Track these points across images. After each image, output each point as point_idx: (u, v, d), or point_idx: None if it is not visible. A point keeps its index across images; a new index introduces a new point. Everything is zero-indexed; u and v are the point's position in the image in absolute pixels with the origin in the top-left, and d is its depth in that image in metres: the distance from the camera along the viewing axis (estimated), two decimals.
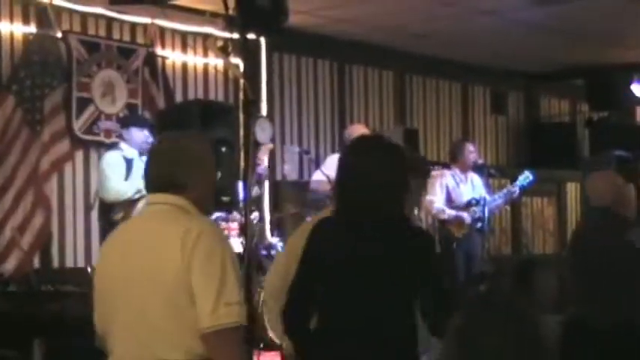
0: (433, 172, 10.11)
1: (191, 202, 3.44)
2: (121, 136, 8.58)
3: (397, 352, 3.79)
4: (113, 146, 8.66)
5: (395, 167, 3.80)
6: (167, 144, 3.60)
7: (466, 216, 10.09)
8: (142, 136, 8.38)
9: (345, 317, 3.73)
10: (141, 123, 8.65)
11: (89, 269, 8.84)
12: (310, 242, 3.79)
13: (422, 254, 3.81)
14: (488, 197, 10.12)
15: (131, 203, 8.24)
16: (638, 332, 5.30)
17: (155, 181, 3.49)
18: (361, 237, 3.74)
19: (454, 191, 10.22)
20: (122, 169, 8.23)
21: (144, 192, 8.12)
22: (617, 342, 5.14)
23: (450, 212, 10.14)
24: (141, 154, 8.41)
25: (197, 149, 3.56)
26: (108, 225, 8.42)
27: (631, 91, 13.37)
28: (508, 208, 12.66)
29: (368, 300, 3.70)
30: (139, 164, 8.36)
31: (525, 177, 10.35)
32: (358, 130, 10.24)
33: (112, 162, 8.29)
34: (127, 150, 8.36)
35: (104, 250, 3.64)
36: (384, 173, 3.76)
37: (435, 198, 10.12)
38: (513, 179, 10.46)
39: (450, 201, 10.19)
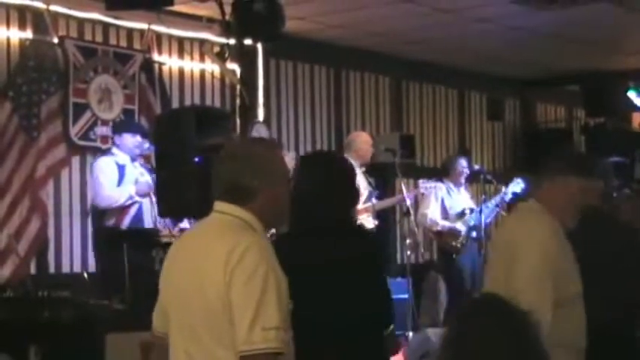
0: (427, 187, 10.18)
1: (255, 216, 3.32)
2: (113, 142, 8.58)
3: (366, 352, 4.01)
4: (106, 152, 8.66)
5: (333, 180, 4.15)
6: (235, 151, 3.48)
7: (460, 226, 10.14)
8: (134, 141, 8.39)
9: (310, 320, 3.76)
10: (133, 129, 8.66)
11: (85, 275, 8.83)
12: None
13: (368, 255, 4.14)
14: (482, 207, 10.19)
15: (123, 209, 8.25)
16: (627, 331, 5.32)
17: (219, 188, 3.40)
18: (309, 245, 4.02)
19: (448, 201, 10.28)
20: (114, 175, 8.24)
21: (135, 198, 8.20)
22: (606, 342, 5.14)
23: (444, 223, 10.19)
24: (133, 159, 8.42)
25: (269, 160, 3.40)
26: (100, 231, 8.46)
27: (627, 98, 13.39)
28: (504, 214, 12.65)
29: (331, 302, 3.91)
30: (132, 170, 8.38)
31: (516, 184, 10.39)
32: (360, 137, 10.25)
33: (104, 168, 8.30)
34: (120, 156, 8.37)
35: (169, 257, 3.52)
36: (321, 186, 4.11)
37: (429, 211, 10.19)
38: (507, 185, 10.51)
39: (444, 211, 10.24)
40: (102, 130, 9.40)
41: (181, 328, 3.32)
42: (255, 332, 3.10)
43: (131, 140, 8.38)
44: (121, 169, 8.30)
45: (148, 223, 8.35)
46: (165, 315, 3.42)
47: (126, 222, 8.28)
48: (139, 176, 8.37)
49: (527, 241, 4.09)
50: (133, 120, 9.47)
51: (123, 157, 8.36)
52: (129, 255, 7.83)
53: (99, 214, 8.44)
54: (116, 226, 8.26)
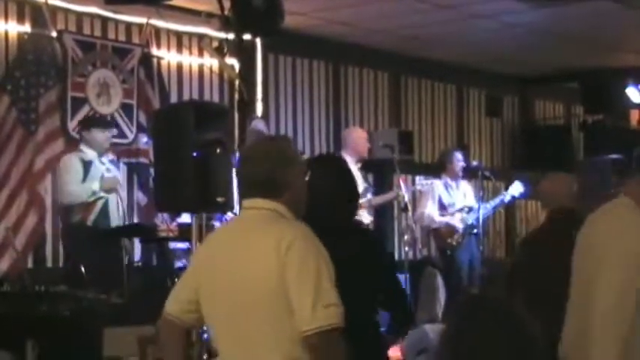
0: (424, 184, 10.19)
1: (286, 207, 3.54)
2: (81, 138, 8.60)
3: (365, 347, 4.08)
4: (72, 149, 8.65)
5: (337, 181, 4.34)
6: (263, 149, 3.67)
7: (457, 223, 10.15)
8: (103, 137, 8.44)
9: None
10: (102, 124, 8.70)
11: (82, 269, 8.83)
12: None
13: (371, 252, 4.30)
14: (480, 204, 10.21)
15: (88, 205, 8.29)
16: None
17: (252, 186, 3.56)
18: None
19: (446, 197, 10.28)
20: (79, 173, 8.29)
21: (99, 194, 8.22)
22: None
23: (441, 220, 10.21)
24: (101, 155, 8.45)
25: (292, 154, 3.68)
26: (67, 227, 8.49)
27: (626, 95, 13.38)
28: (502, 211, 12.68)
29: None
30: (98, 166, 8.41)
31: (516, 187, 10.40)
32: (355, 132, 10.26)
33: (67, 165, 8.38)
34: (87, 152, 8.42)
35: (205, 252, 3.72)
36: (327, 187, 4.25)
37: (426, 210, 10.20)
38: (508, 182, 10.51)
39: (442, 208, 10.25)
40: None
41: (230, 317, 3.47)
42: (318, 311, 3.30)
43: (100, 135, 8.44)
44: (87, 165, 8.35)
45: (114, 219, 8.41)
46: (189, 304, 3.59)
47: (91, 218, 8.32)
48: (105, 172, 8.41)
49: (614, 242, 3.78)
50: (101, 115, 9.41)
51: (90, 154, 8.41)
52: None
53: (64, 211, 8.49)
54: (82, 222, 8.29)
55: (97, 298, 7.02)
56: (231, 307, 3.46)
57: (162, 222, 8.26)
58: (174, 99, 10.06)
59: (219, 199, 6.95)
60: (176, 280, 8.06)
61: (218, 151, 6.99)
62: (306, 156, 10.92)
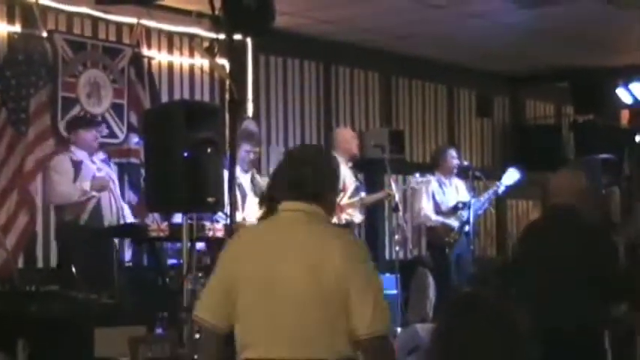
0: (418, 182, 10.19)
1: (324, 210, 3.68)
2: (69, 140, 8.60)
3: None
4: (60, 151, 8.64)
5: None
6: (306, 154, 3.84)
7: (453, 221, 10.15)
8: (90, 136, 8.46)
9: None
10: (87, 124, 8.72)
11: (73, 269, 8.82)
12: None
13: None
14: (473, 200, 10.19)
15: (81, 205, 8.29)
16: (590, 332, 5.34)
17: (294, 189, 3.66)
18: None
19: (439, 196, 10.27)
20: (69, 173, 8.31)
21: (90, 193, 8.21)
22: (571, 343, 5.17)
23: (437, 218, 10.20)
24: (91, 154, 8.46)
25: (330, 161, 3.85)
26: (60, 226, 8.48)
27: (616, 95, 13.40)
28: (493, 210, 12.69)
29: None
30: (89, 165, 8.41)
31: (511, 174, 10.40)
32: (344, 132, 10.28)
33: (57, 166, 8.40)
34: (77, 152, 8.43)
35: (240, 251, 3.73)
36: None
37: (422, 205, 10.20)
38: (498, 181, 10.51)
39: (436, 206, 10.25)
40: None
41: (278, 315, 3.53)
42: (377, 316, 3.49)
43: (87, 135, 8.46)
44: (77, 165, 8.36)
45: (107, 218, 8.41)
46: (221, 307, 3.63)
47: (84, 217, 8.33)
48: (96, 171, 8.41)
49: None
50: (91, 115, 9.40)
51: (80, 154, 8.42)
52: (116, 250, 7.85)
53: (57, 210, 8.50)
54: (76, 221, 8.29)
55: (87, 298, 7.01)
56: (280, 305, 3.53)
57: (153, 222, 8.25)
58: (164, 99, 10.05)
59: (210, 199, 6.96)
60: (167, 280, 8.09)
61: (209, 150, 7.00)
62: None
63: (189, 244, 7.09)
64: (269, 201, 3.75)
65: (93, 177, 8.37)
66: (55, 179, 8.36)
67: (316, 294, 3.49)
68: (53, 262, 9.17)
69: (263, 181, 8.37)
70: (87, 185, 8.29)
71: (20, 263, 8.82)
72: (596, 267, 5.32)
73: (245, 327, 3.61)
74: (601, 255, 5.40)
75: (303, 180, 3.64)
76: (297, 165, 3.70)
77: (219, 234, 8.10)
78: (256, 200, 7.59)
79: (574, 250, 5.34)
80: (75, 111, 9.29)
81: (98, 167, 8.50)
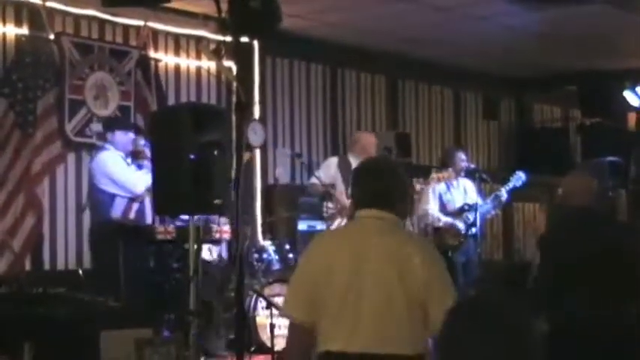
0: (425, 181, 10.15)
1: (398, 217, 3.99)
2: (105, 140, 8.58)
3: None
4: (101, 149, 8.63)
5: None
6: (383, 165, 4.21)
7: (460, 223, 10.11)
8: (127, 139, 8.42)
9: None
10: (125, 126, 8.68)
11: (80, 272, 8.83)
12: None
13: None
14: (480, 202, 10.15)
15: (129, 204, 8.25)
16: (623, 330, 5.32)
17: (371, 197, 3.96)
18: None
19: (446, 197, 10.24)
20: (124, 163, 8.26)
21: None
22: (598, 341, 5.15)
23: (446, 220, 10.16)
24: (126, 156, 8.43)
25: (405, 173, 4.13)
26: (103, 227, 8.40)
27: (623, 98, 13.39)
28: (500, 213, 12.66)
29: None
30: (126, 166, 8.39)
31: (517, 177, 10.37)
32: (369, 138, 10.26)
33: (110, 161, 8.28)
34: (114, 152, 8.38)
35: (322, 254, 4.00)
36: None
37: (429, 206, 10.15)
38: (505, 183, 10.48)
39: (442, 206, 10.21)
40: (97, 126, 9.39)
41: (363, 314, 3.79)
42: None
43: (124, 137, 8.41)
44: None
45: (150, 218, 8.36)
46: (309, 306, 3.89)
47: (131, 216, 8.29)
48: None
49: None
50: (125, 117, 9.47)
51: (117, 154, 8.37)
52: (124, 252, 7.84)
53: (103, 207, 8.37)
54: (124, 218, 8.25)
55: (94, 300, 7.01)
56: (364, 303, 3.79)
57: (160, 224, 8.25)
58: (171, 101, 10.07)
59: (217, 202, 6.95)
60: (173, 282, 8.10)
61: (216, 153, 6.99)
62: (303, 159, 10.96)
63: (195, 247, 7.09)
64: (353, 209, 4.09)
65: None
66: (115, 171, 8.25)
67: (399, 293, 3.76)
68: (60, 264, 9.18)
69: None
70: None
71: (27, 265, 8.83)
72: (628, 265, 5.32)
73: (329, 322, 3.85)
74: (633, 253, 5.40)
75: (384, 190, 3.95)
76: (379, 176, 4.00)
77: (226, 236, 8.12)
78: None
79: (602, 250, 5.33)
80: (82, 113, 9.30)
81: (134, 169, 8.44)
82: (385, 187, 3.97)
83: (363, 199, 4.00)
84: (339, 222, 9.70)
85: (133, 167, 8.42)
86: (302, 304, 3.92)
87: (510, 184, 10.35)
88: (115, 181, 8.27)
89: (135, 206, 8.31)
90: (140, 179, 8.18)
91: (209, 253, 8.76)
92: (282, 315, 4.19)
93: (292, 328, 4.02)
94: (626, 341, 5.27)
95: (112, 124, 8.81)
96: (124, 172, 8.26)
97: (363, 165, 4.29)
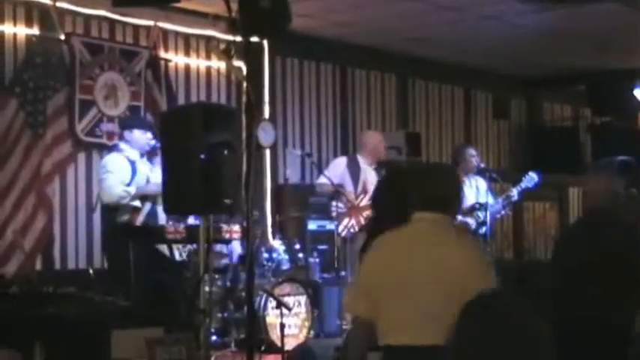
0: None
1: (451, 219, 4.30)
2: (122, 137, 8.57)
3: None
4: (113, 148, 8.64)
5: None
6: (440, 172, 4.56)
7: (470, 221, 10.10)
8: (144, 138, 8.39)
9: None
10: (144, 125, 8.66)
11: (91, 271, 8.85)
12: None
13: None
14: (491, 201, 10.13)
15: (136, 208, 8.26)
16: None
17: (428, 201, 4.22)
18: None
19: None
20: (125, 172, 8.23)
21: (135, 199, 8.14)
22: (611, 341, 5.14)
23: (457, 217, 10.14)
24: (142, 155, 8.41)
25: (460, 178, 4.50)
26: (113, 227, 8.41)
27: (633, 97, 13.37)
28: (510, 212, 12.65)
29: None
30: (142, 166, 8.37)
31: (530, 178, 10.34)
32: (375, 138, 10.27)
33: (111, 165, 8.29)
34: (129, 151, 8.36)
35: (385, 253, 4.23)
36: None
37: None
38: (515, 183, 10.45)
39: None
40: (108, 126, 9.42)
41: (411, 303, 4.04)
42: None
43: (142, 137, 8.39)
44: (132, 164, 8.31)
45: (162, 218, 8.34)
46: (370, 302, 4.11)
47: (140, 219, 8.29)
48: (149, 172, 8.38)
49: None
50: (144, 116, 9.49)
51: (132, 153, 8.36)
52: (134, 252, 7.86)
53: (110, 210, 8.39)
54: (130, 222, 8.26)
55: (104, 300, 7.03)
56: (413, 299, 4.03)
57: (171, 224, 8.26)
58: (181, 101, 10.08)
59: (227, 201, 6.95)
60: (183, 282, 8.11)
61: (226, 153, 6.99)
62: (314, 158, 10.96)
63: (205, 246, 7.09)
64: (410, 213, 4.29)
65: (147, 180, 8.33)
66: (107, 178, 8.27)
67: (453, 291, 3.86)
68: (71, 264, 9.21)
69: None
70: (133, 189, 8.23)
71: (38, 265, 8.86)
72: None
73: (385, 317, 4.09)
74: None
75: (439, 194, 4.23)
76: (429, 181, 4.31)
77: (236, 236, 8.12)
78: None
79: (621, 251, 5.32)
80: (92, 113, 9.32)
81: (149, 168, 8.43)
82: (442, 192, 4.26)
83: (419, 202, 4.26)
84: (347, 222, 9.70)
85: (149, 166, 8.42)
86: (363, 300, 4.17)
87: (522, 185, 10.32)
88: (103, 187, 8.29)
89: (145, 209, 8.31)
90: (126, 193, 8.17)
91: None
92: (346, 311, 4.25)
93: (355, 323, 4.31)
94: (634, 345, 5.27)
95: (130, 122, 8.80)
96: (114, 181, 8.23)
97: (420, 172, 4.68)
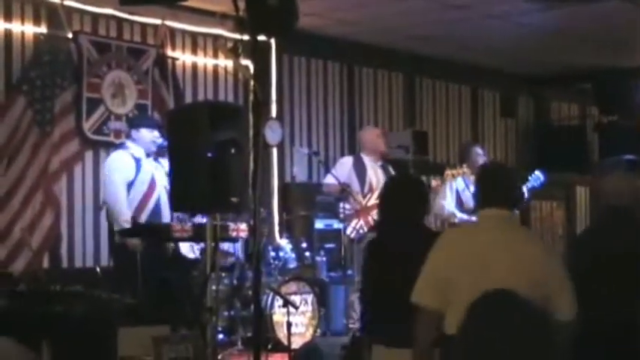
0: (441, 178, 10.12)
1: (513, 214, 4.54)
2: (128, 136, 8.57)
3: None
4: (119, 146, 8.64)
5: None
6: (504, 171, 4.78)
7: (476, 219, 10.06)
8: (151, 136, 8.38)
9: None
10: (151, 124, 8.66)
11: (98, 269, 8.86)
12: None
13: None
14: None
15: (141, 205, 8.25)
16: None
17: (494, 198, 4.47)
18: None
19: (464, 194, 10.21)
20: (130, 170, 8.21)
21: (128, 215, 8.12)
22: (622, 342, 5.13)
23: (462, 216, 10.13)
24: (148, 154, 8.41)
25: (515, 174, 4.80)
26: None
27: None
28: (517, 211, 12.62)
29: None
30: (147, 164, 8.36)
31: (536, 177, 10.32)
32: (370, 132, 10.27)
33: (115, 163, 8.26)
34: (135, 149, 8.36)
35: (457, 247, 4.41)
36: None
37: (446, 202, 10.11)
38: (522, 181, 10.44)
39: (460, 204, 10.18)
40: (115, 124, 9.43)
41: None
42: (574, 303, 4.20)
43: (149, 135, 8.37)
44: (137, 162, 8.30)
45: (166, 217, 8.33)
46: (440, 294, 4.24)
47: (143, 217, 8.28)
48: (154, 170, 8.37)
49: None
50: (151, 115, 9.50)
51: (138, 151, 8.35)
52: (141, 249, 7.86)
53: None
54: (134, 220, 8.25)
55: (111, 297, 7.04)
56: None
57: (178, 222, 8.26)
58: (188, 99, 10.09)
59: (234, 200, 6.96)
60: (190, 280, 8.12)
61: (233, 151, 6.99)
62: (321, 157, 10.96)
63: (212, 245, 7.10)
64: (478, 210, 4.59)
65: (152, 179, 8.31)
66: (110, 178, 8.23)
67: (523, 283, 4.01)
68: (78, 262, 9.22)
69: None
70: (146, 187, 8.22)
71: (45, 263, 8.87)
72: None
73: (457, 309, 4.04)
74: None
75: (504, 191, 4.50)
76: (494, 179, 4.57)
77: (243, 234, 8.12)
78: None
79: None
80: (99, 112, 9.34)
81: (155, 166, 8.42)
82: (506, 190, 4.53)
83: (484, 199, 4.54)
84: (356, 223, 9.68)
85: (155, 165, 8.41)
86: (431, 292, 4.30)
87: (529, 184, 10.30)
88: (107, 185, 8.28)
89: (149, 207, 8.31)
90: (123, 205, 8.15)
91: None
92: (412, 301, 4.44)
93: (420, 313, 4.39)
94: None
95: (138, 121, 8.80)
96: (117, 185, 8.21)
97: (486, 171, 4.89)
